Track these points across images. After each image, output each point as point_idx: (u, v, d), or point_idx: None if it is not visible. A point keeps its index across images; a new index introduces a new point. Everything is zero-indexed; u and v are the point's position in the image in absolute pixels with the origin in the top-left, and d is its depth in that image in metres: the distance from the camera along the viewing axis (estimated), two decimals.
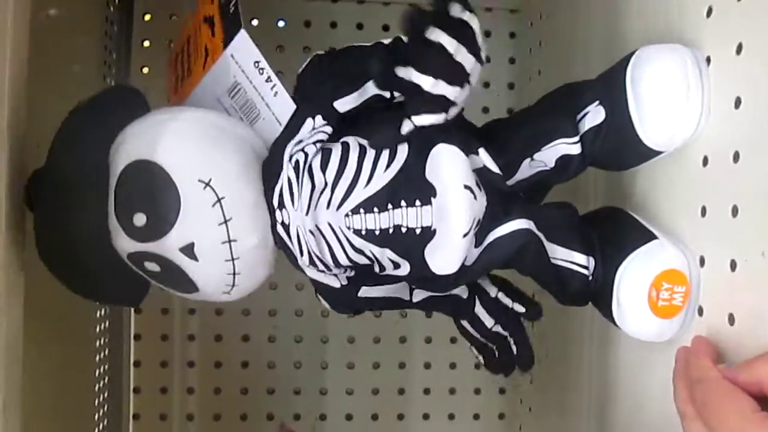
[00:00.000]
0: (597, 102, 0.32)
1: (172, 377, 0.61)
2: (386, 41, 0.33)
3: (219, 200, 0.30)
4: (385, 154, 0.31)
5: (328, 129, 0.32)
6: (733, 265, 0.28)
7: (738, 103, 0.28)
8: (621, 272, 0.32)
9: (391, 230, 0.31)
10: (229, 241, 0.30)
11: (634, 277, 0.31)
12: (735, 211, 0.28)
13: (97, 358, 0.53)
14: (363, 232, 0.31)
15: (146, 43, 0.60)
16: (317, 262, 0.32)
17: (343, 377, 0.63)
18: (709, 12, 0.30)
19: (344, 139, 0.32)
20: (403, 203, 0.30)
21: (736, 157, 0.28)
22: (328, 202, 0.31)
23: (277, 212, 0.32)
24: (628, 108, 0.31)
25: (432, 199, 0.30)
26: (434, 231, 0.30)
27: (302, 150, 0.32)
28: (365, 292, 0.34)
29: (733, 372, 0.26)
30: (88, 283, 0.32)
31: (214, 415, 0.62)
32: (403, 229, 0.31)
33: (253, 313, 0.62)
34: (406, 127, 0.30)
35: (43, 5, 0.40)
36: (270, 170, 0.32)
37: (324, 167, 0.31)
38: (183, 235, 0.29)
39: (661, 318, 0.31)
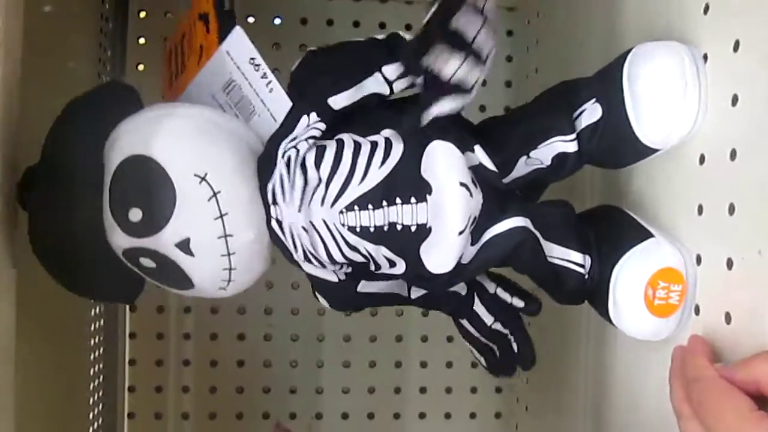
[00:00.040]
0: (593, 99, 0.32)
1: (167, 376, 0.61)
2: (380, 36, 0.33)
3: (215, 195, 0.30)
4: (380, 150, 0.31)
5: (321, 126, 0.32)
6: (730, 264, 0.28)
7: (735, 100, 0.28)
8: (617, 270, 0.32)
9: (386, 227, 0.30)
10: (225, 236, 0.30)
11: (631, 275, 0.31)
12: (732, 209, 0.28)
13: (92, 356, 0.53)
14: (357, 229, 0.31)
15: (141, 40, 0.59)
16: (311, 259, 0.32)
17: (339, 376, 0.63)
18: (706, 9, 0.30)
19: (339, 136, 0.31)
20: (398, 200, 0.30)
21: (733, 154, 0.28)
22: (323, 199, 0.31)
23: (272, 208, 0.32)
24: (624, 106, 0.31)
25: (427, 197, 0.30)
26: (430, 229, 0.30)
27: (295, 147, 0.32)
28: (364, 286, 0.34)
29: (729, 371, 0.25)
30: (83, 280, 0.32)
31: (209, 414, 0.62)
32: (399, 227, 0.30)
33: (248, 311, 0.61)
34: (427, 116, 0.30)
35: (37, 2, 0.40)
36: (264, 166, 0.32)
37: (318, 164, 0.31)
38: (179, 230, 0.29)
39: (658, 317, 0.31)
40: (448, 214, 0.30)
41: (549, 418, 0.53)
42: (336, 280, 0.34)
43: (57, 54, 0.44)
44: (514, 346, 0.36)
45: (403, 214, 0.30)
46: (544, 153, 0.33)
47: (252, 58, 0.32)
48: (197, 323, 0.61)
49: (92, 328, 0.53)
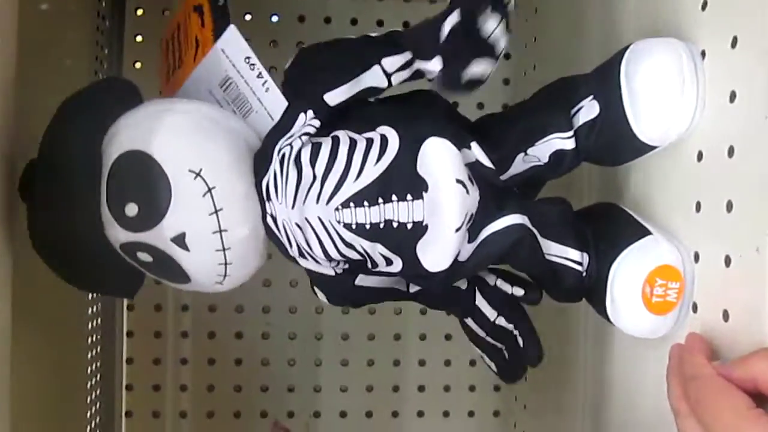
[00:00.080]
0: (591, 96, 0.32)
1: (165, 374, 0.61)
2: (374, 34, 0.32)
3: (209, 190, 0.30)
4: (376, 147, 0.31)
5: (316, 123, 0.32)
6: (728, 261, 0.28)
7: (733, 97, 0.28)
8: (615, 268, 0.31)
9: (382, 225, 0.30)
10: (220, 231, 0.30)
11: (628, 273, 0.31)
12: (729, 206, 0.28)
13: (90, 355, 0.53)
14: (353, 226, 0.31)
15: (138, 38, 0.59)
16: (306, 255, 0.32)
17: (337, 374, 0.63)
18: (704, 5, 0.30)
19: (335, 132, 0.31)
20: (394, 197, 0.30)
21: (731, 151, 0.28)
22: (318, 196, 0.31)
23: (267, 204, 0.32)
24: (622, 102, 0.31)
25: (423, 194, 0.30)
26: (426, 226, 0.30)
27: (289, 144, 0.32)
28: (362, 280, 0.34)
29: (727, 369, 0.25)
30: (82, 273, 0.32)
31: (207, 413, 0.62)
32: (395, 224, 0.30)
33: (246, 309, 0.61)
34: (449, 23, 0.29)
35: (34, 1, 0.40)
36: (260, 162, 0.32)
37: (313, 161, 0.31)
38: (174, 225, 0.30)
39: (655, 314, 0.31)
40: (445, 211, 0.30)
41: (547, 416, 0.53)
42: (333, 273, 0.34)
43: (54, 52, 0.44)
44: (520, 341, 0.36)
45: (399, 211, 0.30)
46: (542, 150, 0.33)
47: (247, 57, 0.32)
48: (195, 321, 0.61)
49: (89, 326, 0.53)
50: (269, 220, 0.32)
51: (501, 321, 0.36)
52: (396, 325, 0.63)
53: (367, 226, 0.30)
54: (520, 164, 0.33)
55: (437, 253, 0.31)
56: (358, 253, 0.32)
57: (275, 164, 0.31)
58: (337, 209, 0.30)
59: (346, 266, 0.34)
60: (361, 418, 0.63)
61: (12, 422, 0.31)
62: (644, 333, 0.32)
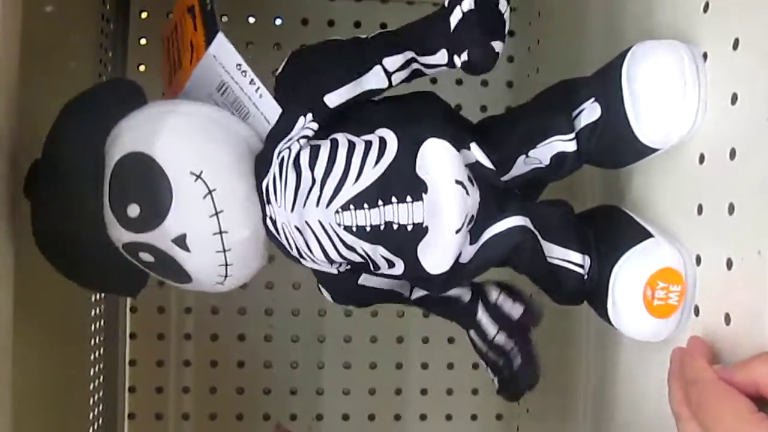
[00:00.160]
0: (593, 99, 0.32)
1: (167, 376, 0.61)
2: (363, 36, 0.33)
3: (210, 192, 0.30)
4: (375, 149, 0.31)
5: (314, 126, 0.32)
6: (730, 264, 0.28)
7: (735, 99, 0.28)
8: (616, 271, 0.31)
9: (382, 227, 0.30)
10: (221, 233, 0.30)
11: (630, 275, 0.31)
12: (731, 209, 0.28)
13: (93, 356, 0.53)
14: (354, 229, 0.31)
15: (143, 42, 0.59)
16: (306, 257, 0.32)
17: (339, 377, 0.63)
18: (706, 7, 0.30)
19: (333, 135, 0.31)
20: (393, 199, 0.30)
21: (732, 154, 0.28)
22: (318, 200, 0.31)
23: (267, 207, 0.32)
24: (623, 105, 0.31)
25: (423, 195, 0.30)
26: (426, 228, 0.30)
27: (288, 147, 0.32)
28: (365, 279, 0.34)
29: (728, 372, 0.25)
30: (85, 272, 0.33)
31: (209, 415, 0.62)
32: (395, 226, 0.30)
33: (249, 312, 0.61)
34: (456, 16, 0.30)
35: (38, 3, 0.40)
36: (261, 165, 0.32)
37: (312, 164, 0.31)
38: (175, 227, 0.30)
39: (657, 317, 0.31)
40: (445, 212, 0.30)
41: (550, 420, 0.53)
42: (336, 272, 0.34)
43: (58, 55, 0.44)
44: (517, 362, 0.35)
45: (399, 213, 0.30)
46: (543, 152, 0.33)
47: (238, 65, 0.32)
48: (198, 324, 0.61)
49: (93, 328, 0.53)
50: (269, 222, 0.32)
51: (501, 338, 0.35)
52: (398, 328, 0.63)
53: (368, 229, 0.30)
54: (521, 166, 0.33)
55: (438, 254, 0.31)
56: (360, 255, 0.32)
57: (274, 167, 0.31)
58: (337, 212, 0.30)
59: (349, 266, 0.34)
60: (363, 421, 0.63)
61: (15, 423, 0.31)
62: (646, 336, 0.32)
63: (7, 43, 0.30)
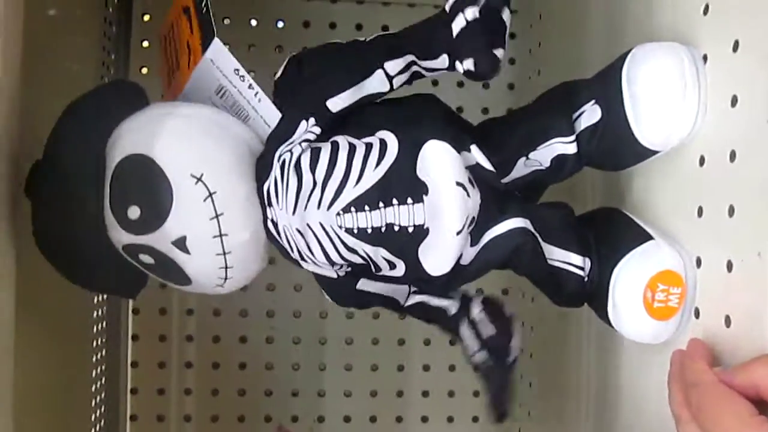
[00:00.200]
0: (593, 101, 0.32)
1: (169, 378, 0.61)
2: (362, 39, 0.33)
3: (210, 195, 0.30)
4: (375, 151, 0.31)
5: (317, 129, 0.32)
6: (730, 266, 0.28)
7: (735, 101, 0.28)
8: (616, 273, 0.31)
9: (383, 229, 0.30)
10: (221, 236, 0.30)
11: (630, 278, 0.31)
12: (731, 211, 0.28)
13: (95, 358, 0.53)
14: (355, 231, 0.31)
15: (145, 44, 0.60)
16: (307, 259, 0.32)
17: (341, 379, 0.63)
18: (706, 10, 0.30)
19: (334, 138, 0.31)
20: (394, 201, 0.30)
21: (732, 156, 0.28)
22: (319, 202, 0.31)
23: (268, 209, 0.32)
24: (624, 107, 0.31)
25: (424, 197, 0.30)
26: (427, 230, 0.30)
27: (289, 150, 0.32)
28: (363, 284, 0.34)
29: (729, 375, 0.25)
30: (85, 273, 0.33)
31: (211, 417, 0.62)
32: (396, 228, 0.30)
33: (251, 314, 0.61)
34: (459, 23, 0.30)
35: (41, 6, 0.40)
36: (262, 168, 0.32)
37: (313, 167, 0.31)
38: (175, 229, 0.30)
39: (657, 319, 0.31)
40: (445, 214, 0.30)
41: (551, 422, 0.53)
42: (335, 276, 0.34)
43: (60, 57, 0.44)
44: (492, 387, 0.33)
45: (399, 215, 0.30)
46: (544, 154, 0.33)
47: (236, 69, 0.32)
48: (199, 325, 0.61)
49: (95, 330, 0.53)
50: (270, 224, 0.32)
51: (480, 356, 0.33)
52: (400, 330, 0.63)
53: (369, 231, 0.30)
54: (521, 168, 0.33)
55: (438, 256, 0.31)
56: (361, 257, 0.32)
57: (276, 170, 0.31)
58: (338, 214, 0.30)
59: (349, 269, 0.34)
60: (365, 423, 0.63)
61: (17, 425, 0.31)
62: (646, 338, 0.32)
63: (9, 44, 0.30)
